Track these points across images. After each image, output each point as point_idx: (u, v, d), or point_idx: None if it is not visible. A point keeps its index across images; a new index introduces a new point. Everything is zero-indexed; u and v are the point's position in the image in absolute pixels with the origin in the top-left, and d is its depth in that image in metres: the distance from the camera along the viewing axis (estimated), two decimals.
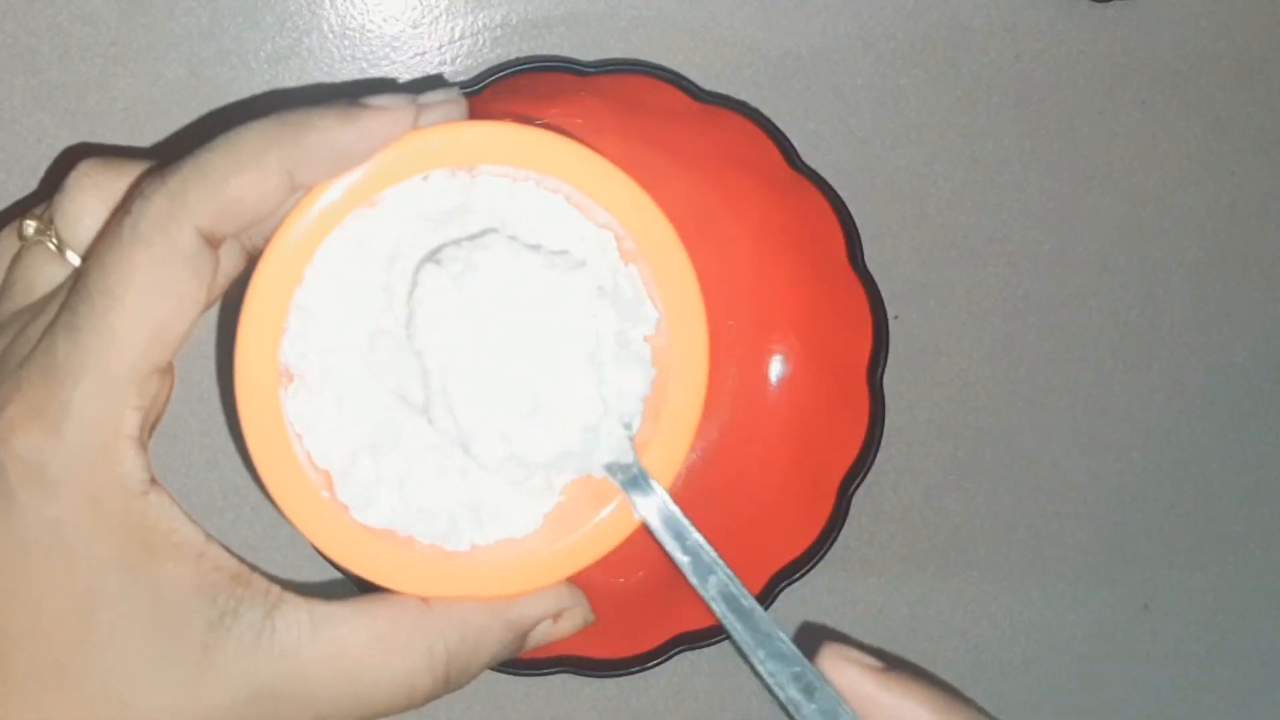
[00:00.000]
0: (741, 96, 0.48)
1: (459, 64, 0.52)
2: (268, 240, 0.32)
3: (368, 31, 0.51)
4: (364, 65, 0.51)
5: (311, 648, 0.32)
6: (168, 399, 0.33)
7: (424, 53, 0.52)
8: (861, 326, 0.50)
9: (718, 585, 0.34)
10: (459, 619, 0.34)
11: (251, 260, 0.33)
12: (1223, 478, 0.58)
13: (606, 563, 0.51)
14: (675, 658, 0.50)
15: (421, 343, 0.33)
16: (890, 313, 0.50)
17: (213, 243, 0.31)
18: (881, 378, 0.50)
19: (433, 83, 0.51)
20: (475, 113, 0.34)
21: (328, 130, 0.31)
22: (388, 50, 0.51)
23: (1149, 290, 0.57)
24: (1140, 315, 0.57)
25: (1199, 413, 0.58)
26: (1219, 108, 0.57)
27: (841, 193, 0.49)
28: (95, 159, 0.35)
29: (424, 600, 0.33)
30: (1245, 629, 0.59)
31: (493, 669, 0.47)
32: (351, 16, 0.51)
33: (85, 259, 0.33)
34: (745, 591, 0.34)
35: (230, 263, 0.33)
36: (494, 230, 0.35)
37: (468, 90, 0.46)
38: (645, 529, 0.35)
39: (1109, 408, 0.57)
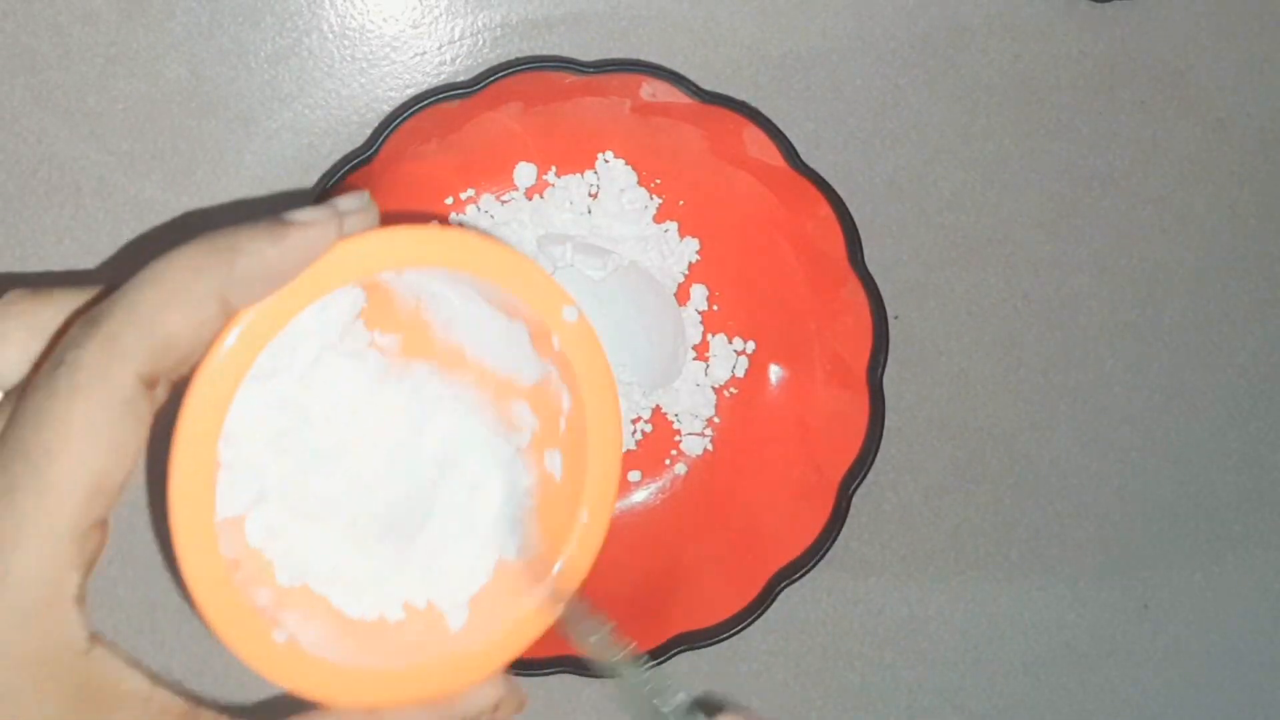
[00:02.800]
0: (741, 96, 0.48)
1: (459, 64, 0.52)
2: (194, 369, 0.31)
3: (368, 31, 0.51)
4: (364, 65, 0.51)
5: None
6: (104, 544, 0.32)
7: (424, 53, 0.52)
8: (861, 326, 0.50)
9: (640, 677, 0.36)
10: None
11: (176, 388, 0.32)
12: (1223, 478, 0.58)
13: (606, 563, 0.51)
14: (675, 658, 0.50)
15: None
16: (890, 313, 0.50)
17: (151, 384, 0.30)
18: (881, 378, 0.50)
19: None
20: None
21: (258, 253, 0.30)
22: (388, 50, 0.51)
23: (1149, 290, 0.57)
24: (1140, 315, 0.57)
25: (1199, 413, 0.58)
26: (1219, 108, 0.57)
27: (841, 193, 0.49)
28: (21, 289, 0.34)
29: (372, 711, 0.34)
30: (1245, 629, 0.59)
31: None
32: (351, 16, 0.51)
33: (17, 408, 0.31)
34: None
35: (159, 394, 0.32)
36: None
37: (468, 90, 0.46)
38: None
39: (1109, 408, 0.57)
